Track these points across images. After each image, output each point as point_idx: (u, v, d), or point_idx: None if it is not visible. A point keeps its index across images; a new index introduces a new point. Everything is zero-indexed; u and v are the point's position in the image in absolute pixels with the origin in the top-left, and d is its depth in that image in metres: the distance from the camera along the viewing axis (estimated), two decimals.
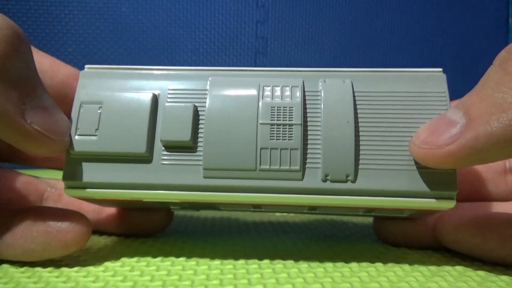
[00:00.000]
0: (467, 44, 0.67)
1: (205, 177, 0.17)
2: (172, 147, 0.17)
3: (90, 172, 0.17)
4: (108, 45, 0.59)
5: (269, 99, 0.17)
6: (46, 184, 0.22)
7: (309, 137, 0.17)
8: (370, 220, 0.25)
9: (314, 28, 0.63)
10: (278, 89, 0.18)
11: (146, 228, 0.22)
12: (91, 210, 0.21)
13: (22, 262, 0.17)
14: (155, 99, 0.18)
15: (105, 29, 0.58)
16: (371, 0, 0.63)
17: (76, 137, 0.17)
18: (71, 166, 0.17)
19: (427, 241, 0.20)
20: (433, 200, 0.16)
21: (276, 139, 0.17)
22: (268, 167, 0.17)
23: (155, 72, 0.19)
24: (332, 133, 0.17)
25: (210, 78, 0.18)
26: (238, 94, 0.18)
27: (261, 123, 0.17)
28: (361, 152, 0.17)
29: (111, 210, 0.22)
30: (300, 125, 0.17)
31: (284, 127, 0.17)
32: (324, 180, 0.16)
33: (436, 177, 0.16)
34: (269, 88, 0.18)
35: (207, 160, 0.17)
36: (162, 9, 0.59)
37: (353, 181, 0.16)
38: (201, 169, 0.17)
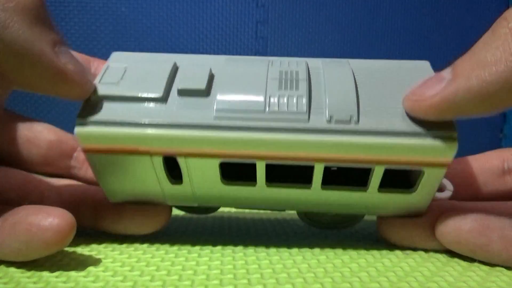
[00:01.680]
0: (467, 44, 0.67)
1: (216, 117, 0.18)
2: (187, 94, 0.19)
3: (106, 110, 0.18)
4: (108, 45, 0.59)
5: (277, 67, 0.19)
6: (47, 183, 0.22)
7: (313, 90, 0.18)
8: (370, 219, 0.25)
9: (314, 28, 0.63)
10: (285, 61, 0.20)
11: (143, 226, 0.22)
12: (88, 211, 0.21)
13: (21, 262, 0.17)
14: (175, 66, 0.20)
15: (105, 29, 0.58)
16: (371, 0, 0.63)
17: (99, 84, 0.19)
18: (88, 106, 0.18)
19: (429, 242, 0.20)
20: (437, 141, 0.17)
21: (284, 89, 0.18)
22: (276, 109, 0.18)
23: (177, 55, 0.21)
24: (334, 82, 0.19)
25: (225, 57, 0.20)
26: (250, 62, 0.20)
27: (270, 78, 0.19)
28: (361, 98, 0.18)
29: (108, 209, 0.22)
30: (305, 81, 0.19)
31: (291, 82, 0.19)
32: (329, 121, 0.17)
33: (434, 122, 0.17)
34: (277, 62, 0.20)
35: (220, 103, 0.18)
36: (162, 9, 0.59)
37: (357, 122, 0.17)
38: (213, 110, 0.18)
